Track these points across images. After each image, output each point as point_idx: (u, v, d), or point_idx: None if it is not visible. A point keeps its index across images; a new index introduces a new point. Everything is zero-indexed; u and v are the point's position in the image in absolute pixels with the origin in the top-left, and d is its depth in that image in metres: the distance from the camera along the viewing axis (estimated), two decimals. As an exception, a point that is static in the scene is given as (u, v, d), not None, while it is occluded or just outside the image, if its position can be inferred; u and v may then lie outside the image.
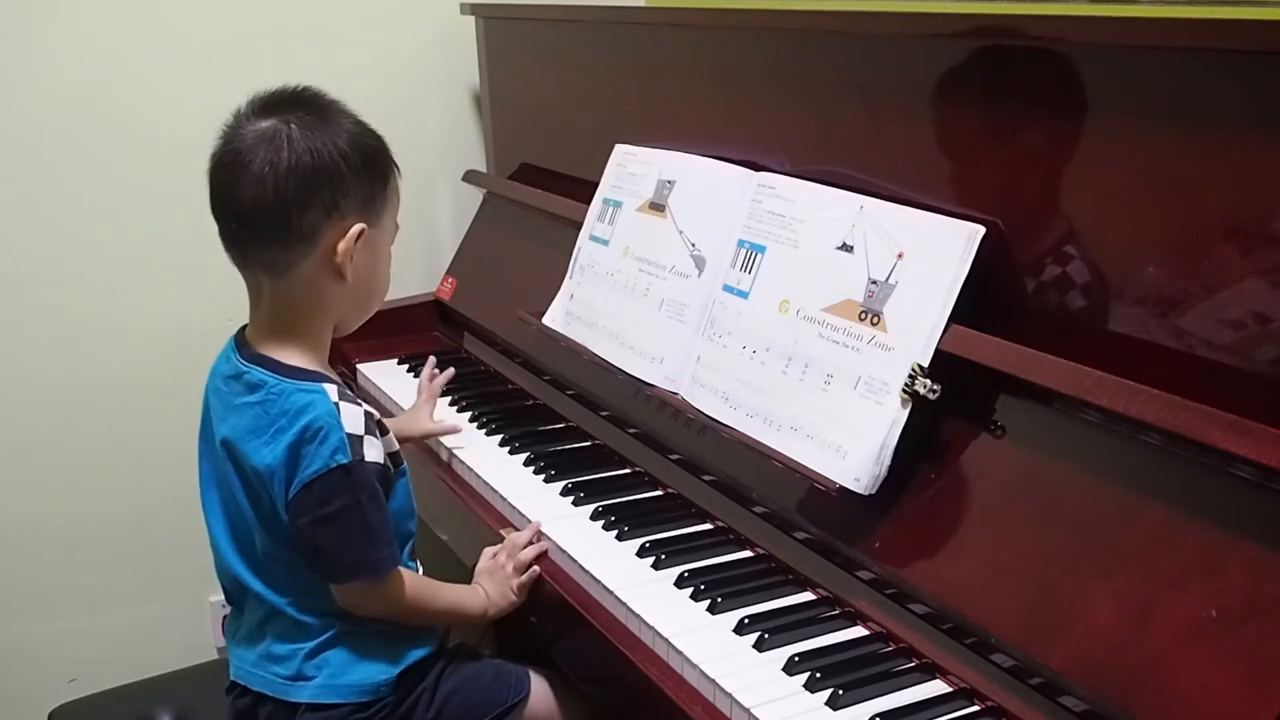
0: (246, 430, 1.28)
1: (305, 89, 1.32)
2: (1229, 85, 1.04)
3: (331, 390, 1.28)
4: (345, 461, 1.25)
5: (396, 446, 1.37)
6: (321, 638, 1.33)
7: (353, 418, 1.28)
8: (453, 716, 1.39)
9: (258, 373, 1.29)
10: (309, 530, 1.26)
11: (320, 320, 1.33)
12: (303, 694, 1.33)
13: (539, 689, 1.48)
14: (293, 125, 1.26)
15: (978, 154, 1.30)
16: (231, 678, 1.40)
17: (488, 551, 1.49)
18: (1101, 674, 1.02)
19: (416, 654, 1.37)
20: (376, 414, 1.33)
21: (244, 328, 1.36)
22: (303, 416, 1.25)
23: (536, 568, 1.45)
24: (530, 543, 1.47)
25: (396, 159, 1.38)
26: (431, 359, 1.88)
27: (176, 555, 2.19)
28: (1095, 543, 1.08)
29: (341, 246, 1.28)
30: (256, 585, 1.34)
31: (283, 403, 1.26)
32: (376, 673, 1.34)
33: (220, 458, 1.33)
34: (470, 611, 1.42)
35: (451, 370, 1.82)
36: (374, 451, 1.29)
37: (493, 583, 1.44)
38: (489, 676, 1.45)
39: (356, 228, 1.28)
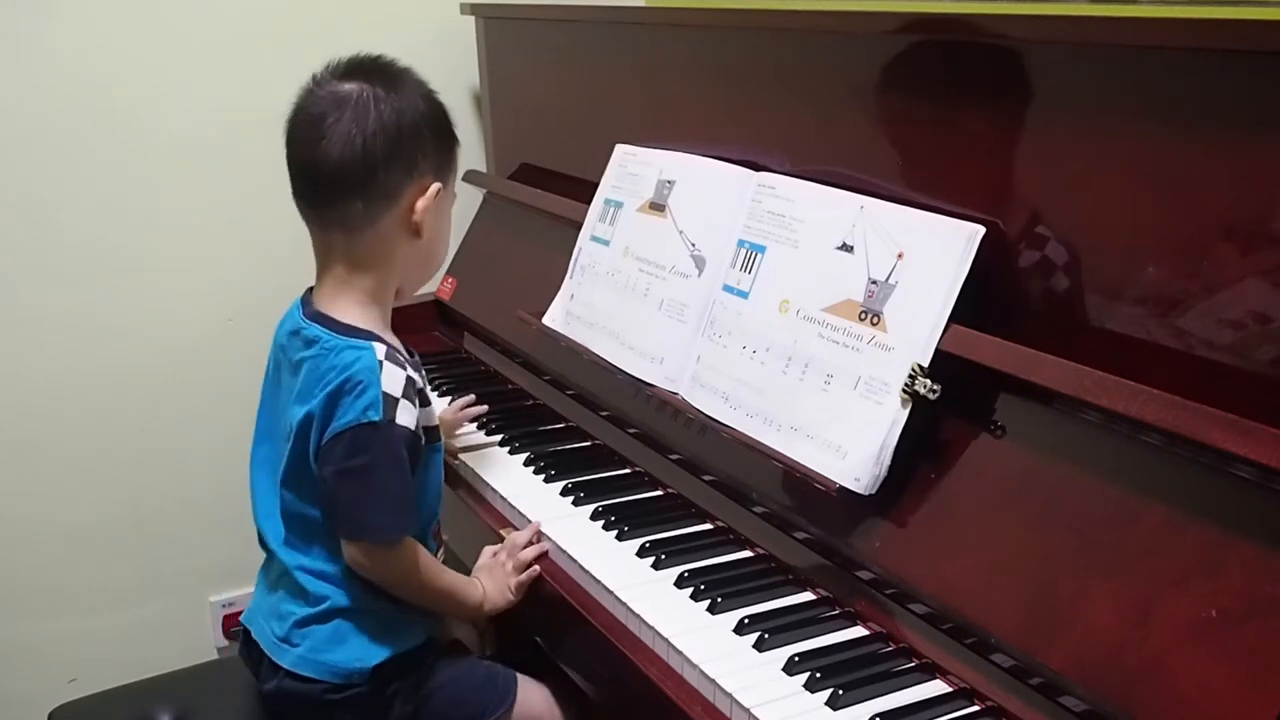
0: (301, 387, 1.32)
1: (380, 57, 1.37)
2: (1229, 85, 1.04)
3: (380, 349, 1.31)
4: (376, 419, 1.28)
5: (436, 421, 1.40)
6: (315, 609, 1.35)
7: (393, 379, 1.31)
8: (432, 715, 1.40)
9: (315, 329, 1.33)
10: (331, 480, 1.29)
11: (386, 279, 1.37)
12: (285, 659, 1.36)
13: (537, 696, 1.48)
14: (373, 90, 1.31)
15: (978, 154, 1.30)
16: (242, 620, 1.44)
17: (488, 550, 1.50)
18: (1101, 674, 1.02)
19: (398, 649, 1.38)
20: (420, 382, 1.36)
21: (310, 289, 1.40)
22: (345, 370, 1.29)
23: (536, 568, 1.45)
24: (530, 542, 1.47)
25: None
26: (472, 396, 1.85)
27: (176, 555, 2.20)
28: (1095, 543, 1.08)
29: (420, 204, 1.33)
30: (275, 542, 1.38)
31: (332, 358, 1.30)
32: (353, 659, 1.35)
33: (280, 410, 1.38)
34: (467, 602, 1.43)
35: (485, 407, 1.82)
36: (406, 416, 1.31)
37: (491, 580, 1.45)
38: (476, 679, 1.45)
39: (435, 186, 1.35)
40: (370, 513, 1.30)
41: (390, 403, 1.29)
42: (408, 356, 1.37)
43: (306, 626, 1.35)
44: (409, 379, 1.33)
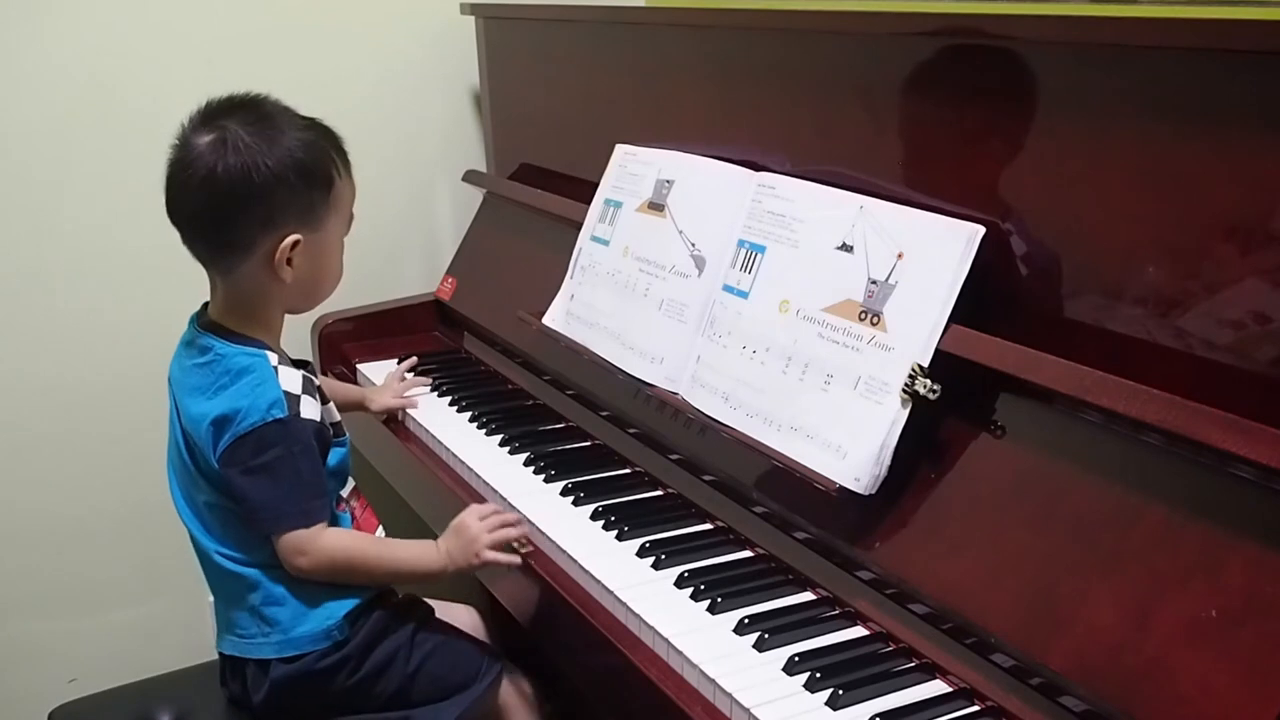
0: (192, 388, 1.37)
1: (251, 97, 1.37)
2: (1229, 85, 1.04)
3: (272, 357, 1.36)
4: (281, 416, 1.32)
5: (338, 418, 1.44)
6: (259, 596, 1.37)
7: (290, 379, 1.36)
8: (428, 679, 1.43)
9: (208, 338, 1.38)
10: (238, 480, 1.32)
11: (266, 309, 1.40)
12: (267, 651, 1.38)
13: (519, 686, 1.52)
14: (230, 140, 1.31)
15: (978, 154, 1.30)
16: (217, 649, 1.46)
17: (473, 508, 1.47)
18: (1101, 674, 1.02)
19: (364, 596, 1.41)
20: (317, 380, 1.41)
21: (206, 304, 1.43)
22: (243, 376, 1.33)
23: (516, 558, 1.44)
24: (515, 524, 1.47)
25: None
26: (414, 359, 2.01)
27: (177, 555, 2.17)
28: (1095, 543, 1.08)
29: (278, 255, 1.34)
30: (199, 533, 1.40)
31: (226, 363, 1.35)
32: (324, 619, 1.38)
33: (171, 415, 1.42)
34: (427, 568, 1.42)
35: (414, 359, 1.99)
36: (311, 410, 1.36)
37: (459, 539, 1.42)
38: (465, 647, 1.49)
39: (291, 238, 1.34)
40: (285, 502, 1.33)
41: (293, 399, 1.34)
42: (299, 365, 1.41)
43: (267, 612, 1.37)
44: (306, 377, 1.38)
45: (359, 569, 1.39)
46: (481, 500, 1.63)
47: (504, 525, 1.44)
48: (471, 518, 1.44)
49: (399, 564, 1.42)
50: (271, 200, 1.32)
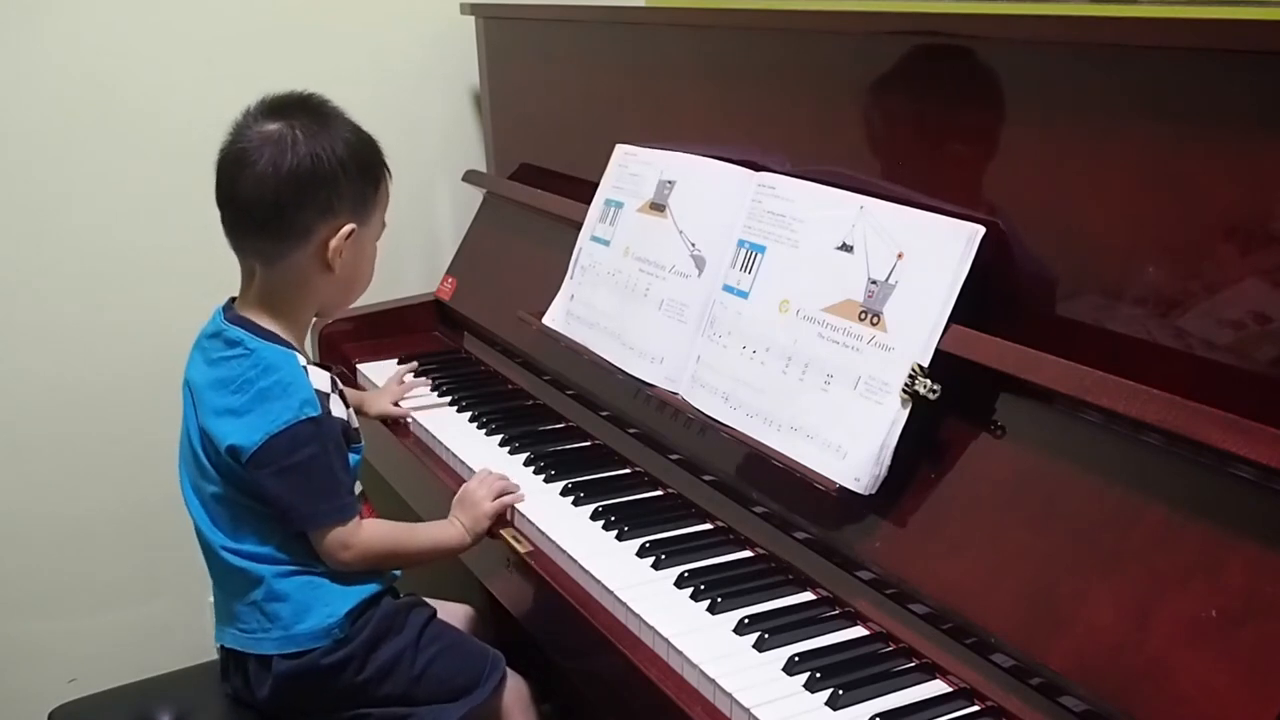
0: (217, 380, 1.37)
1: (311, 95, 1.41)
2: (1229, 85, 1.04)
3: (300, 357, 1.38)
4: (314, 414, 1.34)
5: (356, 423, 1.46)
6: (262, 592, 1.38)
7: (320, 378, 1.38)
8: (434, 681, 1.43)
9: (237, 331, 1.38)
10: (270, 481, 1.33)
11: (304, 305, 1.43)
12: (268, 646, 1.39)
13: (518, 687, 1.52)
14: (297, 130, 1.35)
15: (978, 154, 1.30)
16: (216, 642, 1.46)
17: (469, 480, 1.56)
18: (1101, 674, 1.02)
19: (364, 594, 1.41)
20: (341, 385, 1.43)
21: (232, 299, 1.44)
22: (273, 372, 1.34)
23: (522, 496, 1.54)
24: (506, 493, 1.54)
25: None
26: (415, 364, 2.00)
27: (177, 555, 2.18)
28: (1095, 543, 1.08)
29: (333, 243, 1.38)
30: (204, 526, 1.40)
31: (255, 358, 1.35)
32: (325, 616, 1.38)
33: (187, 404, 1.41)
34: (449, 544, 1.49)
35: (415, 364, 1.99)
36: (339, 409, 1.39)
37: (465, 507, 1.51)
38: (472, 648, 1.50)
39: (348, 227, 1.38)
40: (323, 500, 1.35)
41: (323, 397, 1.36)
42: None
43: (269, 608, 1.37)
44: (333, 378, 1.40)
45: (398, 554, 1.44)
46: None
47: (500, 480, 1.54)
48: (471, 484, 1.54)
49: (429, 544, 1.48)
50: (333, 187, 1.36)
